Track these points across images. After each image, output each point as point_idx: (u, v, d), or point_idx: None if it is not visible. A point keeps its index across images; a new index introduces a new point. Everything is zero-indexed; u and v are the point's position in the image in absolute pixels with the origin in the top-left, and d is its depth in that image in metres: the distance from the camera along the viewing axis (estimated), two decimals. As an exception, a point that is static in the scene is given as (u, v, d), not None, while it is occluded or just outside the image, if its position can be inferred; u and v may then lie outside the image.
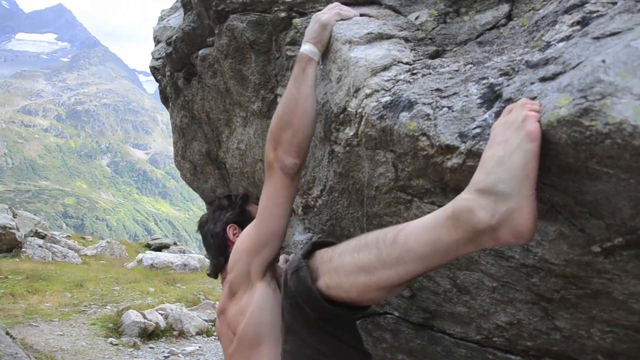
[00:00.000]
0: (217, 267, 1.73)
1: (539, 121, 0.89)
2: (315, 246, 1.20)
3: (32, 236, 13.00)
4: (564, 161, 0.90)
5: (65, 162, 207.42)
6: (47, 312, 6.98)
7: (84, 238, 19.58)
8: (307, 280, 1.10)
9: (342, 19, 1.42)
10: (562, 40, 1.06)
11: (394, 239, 0.99)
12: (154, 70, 2.80)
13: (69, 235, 18.31)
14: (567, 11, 1.11)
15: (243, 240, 1.48)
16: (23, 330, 5.92)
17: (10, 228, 11.26)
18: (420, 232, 0.96)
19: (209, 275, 1.80)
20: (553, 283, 1.09)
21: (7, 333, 3.49)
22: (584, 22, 1.06)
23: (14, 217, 13.19)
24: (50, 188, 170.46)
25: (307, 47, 1.41)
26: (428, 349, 1.63)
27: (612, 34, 0.95)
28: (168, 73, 2.37)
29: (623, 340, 1.07)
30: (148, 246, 18.84)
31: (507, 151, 0.89)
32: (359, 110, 1.28)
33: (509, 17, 1.29)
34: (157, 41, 2.90)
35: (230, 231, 1.72)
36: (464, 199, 0.92)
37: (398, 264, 0.98)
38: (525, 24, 1.23)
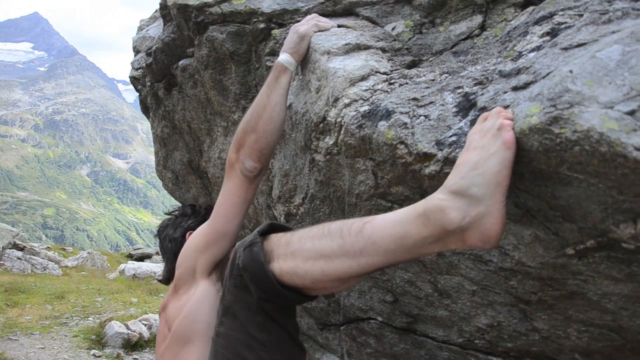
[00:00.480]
0: (171, 272, 1.72)
1: (513, 129, 0.93)
2: (272, 228, 1.16)
3: (10, 248, 12.75)
4: (536, 167, 0.93)
5: (43, 173, 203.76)
6: (27, 325, 6.84)
7: (64, 249, 19.26)
8: (260, 256, 1.05)
9: (320, 30, 1.44)
10: (532, 50, 1.10)
11: (359, 230, 0.97)
12: (134, 80, 2.79)
13: (48, 247, 17.99)
14: (537, 22, 1.15)
15: (193, 238, 1.49)
16: (2, 344, 5.80)
17: (-13, 241, 11.02)
18: (388, 226, 0.95)
19: (160, 281, 1.80)
20: (530, 285, 1.12)
21: (-14, 348, 3.43)
22: (553, 33, 1.10)
23: (-8, 230, 12.93)
24: (29, 199, 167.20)
25: (283, 57, 1.44)
26: (412, 352, 1.65)
27: (579, 45, 0.98)
28: (148, 83, 2.37)
29: (598, 339, 1.11)
30: (130, 256, 18.61)
31: (483, 157, 0.92)
32: (338, 119, 1.30)
33: (482, 27, 1.33)
34: (136, 51, 2.89)
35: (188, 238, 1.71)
36: (437, 198, 0.93)
37: (360, 256, 0.96)
38: (498, 34, 1.27)
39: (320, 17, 1.49)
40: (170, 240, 1.77)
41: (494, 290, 1.22)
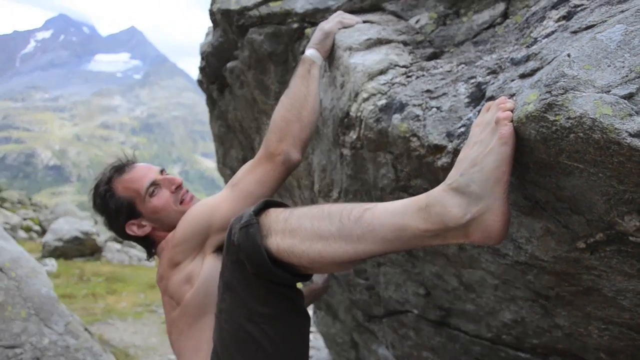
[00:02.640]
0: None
1: (512, 121, 0.90)
2: (268, 204, 1.12)
3: (111, 241, 13.93)
4: (538, 157, 0.90)
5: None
6: (122, 311, 7.45)
7: (159, 243, 20.60)
8: (257, 238, 1.03)
9: (344, 27, 1.47)
10: (547, 35, 1.06)
11: (359, 216, 0.97)
12: (201, 83, 2.98)
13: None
14: (555, 6, 1.10)
15: (208, 214, 1.39)
16: (101, 327, 6.35)
17: (92, 234, 12.10)
18: (388, 216, 0.95)
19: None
20: (547, 280, 1.08)
21: (86, 329, 3.81)
22: (568, 17, 1.05)
23: (95, 224, 14.22)
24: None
25: (310, 52, 1.46)
26: (447, 346, 1.63)
27: (588, 27, 0.94)
28: (205, 86, 2.52)
29: (619, 338, 1.04)
30: (217, 250, 19.49)
31: (481, 152, 0.90)
32: (358, 114, 1.32)
33: (505, 15, 1.29)
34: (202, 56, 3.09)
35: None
36: (439, 194, 0.92)
37: (358, 242, 0.96)
38: (519, 21, 1.22)
39: (346, 14, 1.52)
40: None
41: (514, 284, 1.18)
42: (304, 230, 1.01)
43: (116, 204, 1.51)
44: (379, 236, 0.95)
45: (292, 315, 1.13)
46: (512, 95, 0.98)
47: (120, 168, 1.57)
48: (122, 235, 1.56)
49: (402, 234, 0.94)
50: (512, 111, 0.91)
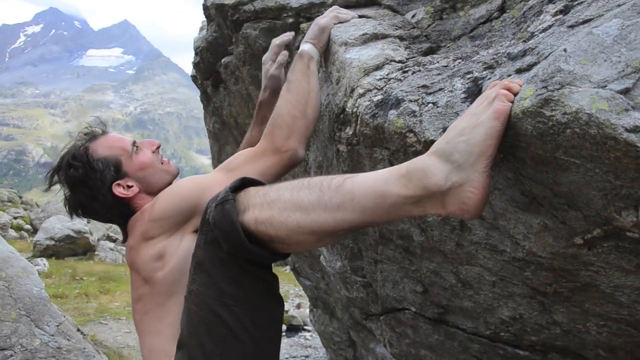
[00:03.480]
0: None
1: (511, 102, 0.89)
2: (246, 183, 1.09)
3: (104, 240, 13.89)
4: (535, 153, 0.90)
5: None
6: (115, 310, 7.40)
7: (152, 241, 20.55)
8: (233, 214, 0.99)
9: (340, 22, 1.46)
10: (544, 30, 1.05)
11: (339, 185, 0.96)
12: (194, 78, 2.95)
13: (138, 239, 19.27)
14: (551, 0, 1.10)
15: (197, 193, 1.34)
16: (94, 327, 6.31)
17: (84, 233, 12.05)
18: (369, 183, 0.94)
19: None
20: (544, 277, 1.08)
21: (79, 330, 3.78)
22: (565, 11, 1.04)
23: (88, 223, 14.15)
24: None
25: (307, 46, 1.45)
26: (446, 344, 1.63)
27: (585, 22, 0.93)
28: (199, 81, 2.50)
29: (618, 335, 1.04)
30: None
31: (471, 124, 0.90)
32: (354, 109, 1.31)
33: (502, 9, 1.28)
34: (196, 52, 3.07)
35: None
36: (421, 160, 0.93)
37: (338, 210, 0.94)
38: (515, 15, 1.22)
39: (341, 9, 1.51)
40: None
41: (512, 281, 1.18)
42: (282, 201, 0.99)
43: (102, 164, 1.44)
44: (360, 204, 0.94)
45: (266, 299, 1.08)
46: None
47: (94, 135, 1.53)
48: (103, 202, 1.45)
49: (383, 202, 0.93)
50: (515, 94, 0.90)
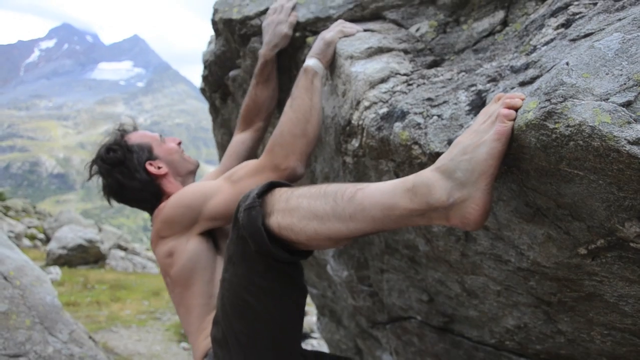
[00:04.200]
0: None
1: (513, 120, 0.91)
2: (273, 185, 1.17)
3: (115, 249, 13.96)
4: (539, 165, 0.91)
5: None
6: (126, 318, 7.44)
7: (162, 250, 20.62)
8: (258, 220, 1.08)
9: (345, 36, 1.48)
10: (546, 43, 1.07)
11: (351, 196, 1.01)
12: (203, 91, 2.99)
13: (147, 248, 19.37)
14: (553, 14, 1.11)
15: (201, 201, 1.48)
16: (105, 335, 6.34)
17: (96, 242, 12.12)
18: (378, 195, 0.99)
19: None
20: (549, 286, 1.08)
21: (90, 337, 3.82)
22: (567, 25, 1.06)
23: (99, 232, 14.27)
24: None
25: (312, 62, 1.48)
26: (451, 352, 1.63)
27: (586, 35, 0.95)
28: (208, 94, 2.53)
29: (622, 344, 1.05)
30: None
31: (474, 142, 0.92)
32: (360, 122, 1.33)
33: (504, 23, 1.30)
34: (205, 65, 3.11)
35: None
36: (426, 176, 0.95)
37: (350, 220, 1.00)
38: (518, 29, 1.23)
39: (347, 22, 1.53)
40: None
41: (517, 290, 1.19)
42: (301, 209, 1.06)
43: (138, 146, 1.68)
44: (369, 215, 0.99)
45: (290, 289, 1.18)
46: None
47: (126, 130, 1.79)
48: (140, 182, 1.65)
49: (391, 213, 0.97)
50: (517, 110, 0.92)
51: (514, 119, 0.91)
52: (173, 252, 1.51)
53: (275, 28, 1.71)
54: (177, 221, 1.50)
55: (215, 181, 1.53)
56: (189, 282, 1.50)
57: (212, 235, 1.58)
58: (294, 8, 1.72)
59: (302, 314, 1.26)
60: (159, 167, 1.67)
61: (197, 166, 1.80)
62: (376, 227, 1.00)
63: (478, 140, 0.92)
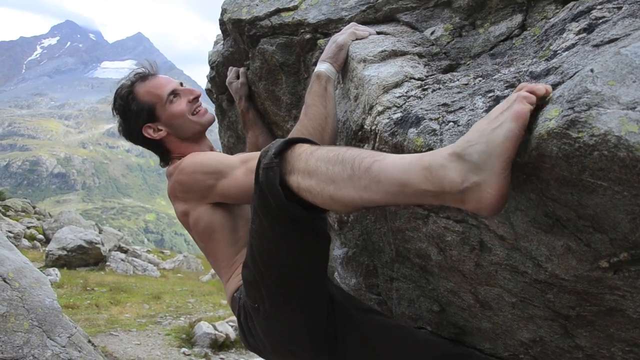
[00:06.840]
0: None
1: (533, 104, 0.89)
2: (291, 142, 1.18)
3: (115, 250, 13.91)
4: (560, 174, 0.88)
5: (145, 180, 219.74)
6: (126, 322, 7.40)
7: (162, 252, 20.62)
8: (276, 181, 1.12)
9: (358, 39, 1.46)
10: (567, 49, 1.04)
11: (368, 167, 1.02)
12: (209, 92, 2.97)
13: (149, 250, 19.31)
14: (575, 18, 1.09)
15: (217, 175, 1.52)
16: (105, 339, 6.31)
17: (96, 243, 12.09)
18: (394, 170, 0.99)
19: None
20: (567, 299, 1.05)
21: (89, 341, 3.78)
22: (589, 29, 1.03)
23: (100, 233, 14.22)
24: (133, 205, 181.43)
25: (324, 66, 1.46)
26: (461, 365, 1.60)
27: (611, 41, 0.92)
28: (214, 95, 2.51)
29: (644, 361, 1.02)
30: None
31: (492, 126, 0.90)
32: (373, 127, 1.31)
33: (522, 27, 1.28)
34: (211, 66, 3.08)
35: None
36: (442, 156, 0.94)
37: (364, 190, 1.02)
38: (537, 33, 1.21)
39: (359, 25, 1.51)
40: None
41: (533, 303, 1.16)
42: (320, 173, 1.08)
43: (137, 106, 1.68)
44: (383, 189, 1.00)
45: (312, 240, 1.24)
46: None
47: (144, 76, 1.74)
48: (136, 137, 1.73)
49: (404, 190, 0.98)
50: (542, 97, 0.90)
51: (534, 104, 0.89)
52: (187, 212, 1.60)
53: (232, 86, 2.04)
54: (191, 190, 1.57)
55: (233, 160, 1.54)
56: (211, 238, 1.60)
57: None
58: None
59: (326, 260, 1.33)
60: (159, 130, 1.70)
61: (209, 123, 1.78)
62: (389, 201, 1.01)
63: (496, 123, 0.90)
